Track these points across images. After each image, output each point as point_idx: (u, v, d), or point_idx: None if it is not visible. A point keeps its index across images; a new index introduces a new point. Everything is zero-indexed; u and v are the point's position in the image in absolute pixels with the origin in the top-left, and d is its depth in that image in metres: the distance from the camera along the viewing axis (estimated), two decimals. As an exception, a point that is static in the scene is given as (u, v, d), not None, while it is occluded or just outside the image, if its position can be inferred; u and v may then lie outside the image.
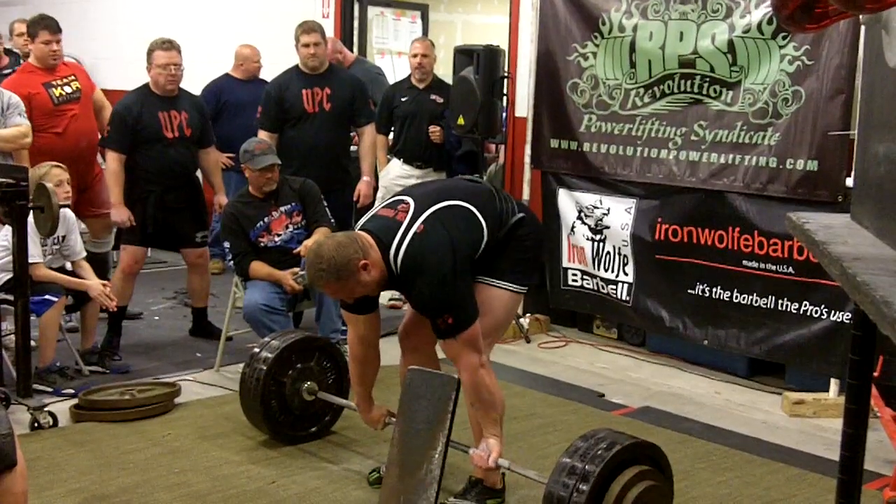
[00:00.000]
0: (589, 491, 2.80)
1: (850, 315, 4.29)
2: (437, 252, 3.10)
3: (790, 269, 4.74)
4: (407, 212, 3.18)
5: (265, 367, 3.89)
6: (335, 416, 4.14)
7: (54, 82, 5.46)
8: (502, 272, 3.34)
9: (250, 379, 3.92)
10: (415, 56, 6.12)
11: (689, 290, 5.15)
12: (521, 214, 3.39)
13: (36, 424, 4.10)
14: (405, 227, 3.13)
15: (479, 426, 3.35)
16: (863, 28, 3.30)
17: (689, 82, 5.04)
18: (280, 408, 3.98)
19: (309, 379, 4.00)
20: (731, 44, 4.84)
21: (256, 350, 4.02)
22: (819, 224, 2.18)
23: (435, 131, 6.01)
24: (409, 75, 6.20)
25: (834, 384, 4.68)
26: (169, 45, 5.25)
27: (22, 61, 6.00)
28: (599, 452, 2.89)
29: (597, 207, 5.53)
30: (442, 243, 3.12)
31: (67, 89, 5.50)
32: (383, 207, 3.32)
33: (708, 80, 4.97)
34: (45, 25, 5.42)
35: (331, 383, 4.10)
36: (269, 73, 6.05)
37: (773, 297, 4.84)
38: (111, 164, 5.21)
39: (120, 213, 5.19)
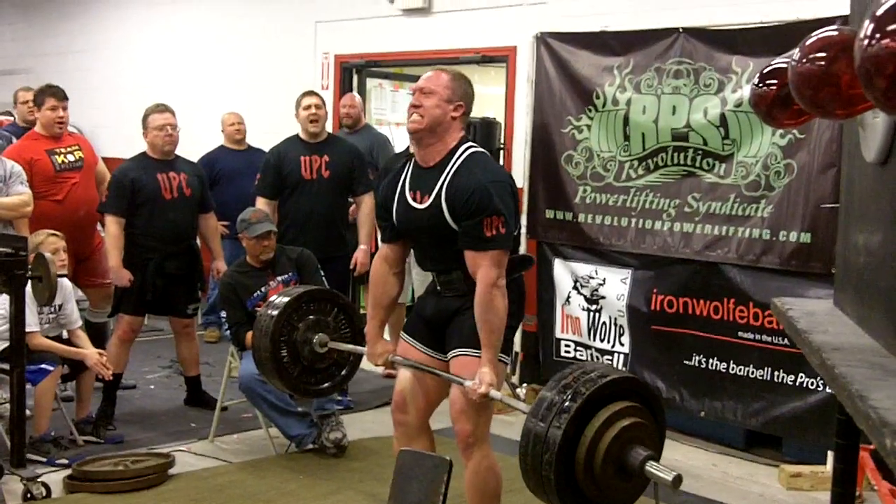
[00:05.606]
0: (567, 423, 2.55)
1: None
2: (502, 170, 3.36)
3: (785, 341, 4.74)
4: None
5: (276, 313, 3.80)
6: (351, 371, 4.05)
7: (58, 150, 5.51)
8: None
9: (262, 324, 3.83)
10: None
11: (686, 361, 5.15)
12: (529, 255, 3.66)
13: (29, 495, 4.06)
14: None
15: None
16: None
17: (682, 155, 5.11)
18: (291, 358, 3.85)
19: (322, 330, 3.89)
20: (723, 117, 4.91)
21: (272, 298, 4.00)
22: (802, 311, 2.20)
23: None
24: (408, 146, 6.26)
25: (831, 456, 4.65)
26: (164, 108, 5.33)
27: (14, 139, 6.06)
28: (582, 387, 2.61)
29: (592, 277, 5.56)
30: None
31: (70, 158, 5.56)
32: None
33: (701, 152, 5.03)
34: (51, 93, 5.51)
35: (345, 337, 3.97)
36: (268, 144, 6.10)
37: (769, 369, 4.84)
38: (110, 228, 5.20)
39: (120, 276, 5.18)
